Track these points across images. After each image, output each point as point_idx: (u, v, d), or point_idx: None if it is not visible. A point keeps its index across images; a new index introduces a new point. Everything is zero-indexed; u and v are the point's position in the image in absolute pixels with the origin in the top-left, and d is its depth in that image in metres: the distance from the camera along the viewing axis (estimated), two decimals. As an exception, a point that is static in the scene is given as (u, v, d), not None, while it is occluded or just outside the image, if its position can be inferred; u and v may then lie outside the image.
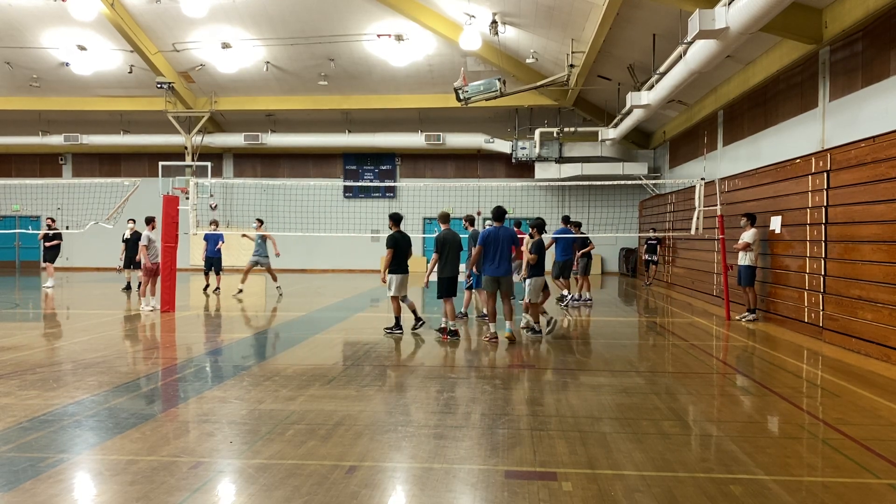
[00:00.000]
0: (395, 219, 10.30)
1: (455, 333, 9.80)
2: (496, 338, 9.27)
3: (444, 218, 10.24)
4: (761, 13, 8.98)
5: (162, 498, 3.95)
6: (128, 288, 17.27)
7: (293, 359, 8.34)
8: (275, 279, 16.58)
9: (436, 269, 10.06)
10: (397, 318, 10.15)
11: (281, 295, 16.18)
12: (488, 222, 17.62)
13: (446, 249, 9.92)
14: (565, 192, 24.53)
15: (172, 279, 13.00)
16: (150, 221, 13.72)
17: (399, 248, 10.08)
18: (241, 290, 16.34)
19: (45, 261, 19.06)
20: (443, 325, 9.92)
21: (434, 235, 10.41)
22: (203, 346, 9.42)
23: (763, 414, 6.07)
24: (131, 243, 16.84)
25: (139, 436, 5.12)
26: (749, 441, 5.11)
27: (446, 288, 9.96)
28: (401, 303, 10.17)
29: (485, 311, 11.59)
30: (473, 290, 11.99)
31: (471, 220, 12.05)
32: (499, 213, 9.50)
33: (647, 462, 4.60)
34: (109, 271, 24.12)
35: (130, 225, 17.32)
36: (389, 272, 10.10)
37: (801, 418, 5.88)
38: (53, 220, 18.97)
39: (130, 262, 16.96)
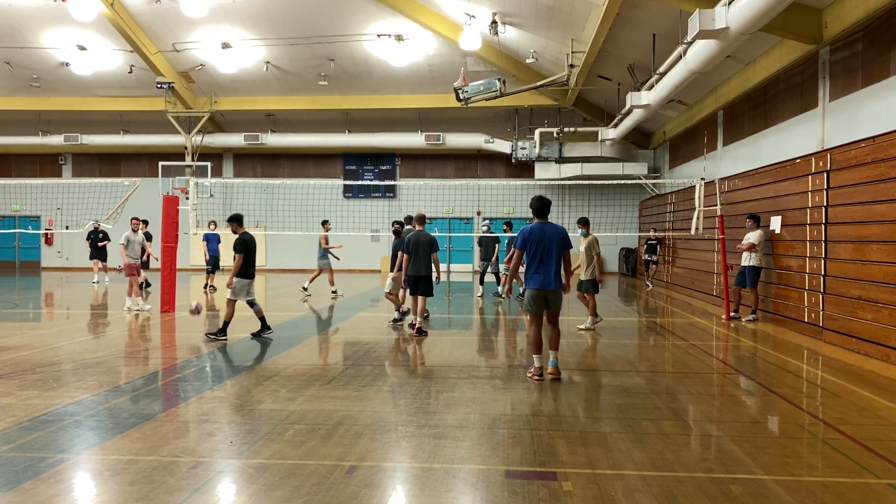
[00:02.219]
0: (239, 220, 9.98)
1: (421, 331, 10.07)
2: (541, 375, 7.07)
3: (420, 220, 10.48)
4: (761, 13, 8.98)
5: (162, 498, 3.95)
6: (148, 285, 17.59)
7: (293, 359, 8.35)
8: (310, 281, 16.48)
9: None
10: (226, 323, 9.63)
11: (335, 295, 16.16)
12: (486, 223, 17.69)
13: (418, 249, 10.16)
14: (565, 192, 24.53)
15: (172, 279, 12.99)
16: (131, 222, 13.76)
17: (250, 252, 9.74)
18: (306, 289, 16.50)
19: (93, 258, 20.04)
20: (413, 323, 10.21)
21: (431, 236, 10.54)
22: (203, 346, 9.42)
23: (763, 414, 6.07)
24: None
25: (139, 436, 5.12)
26: (749, 441, 5.11)
27: (413, 286, 10.22)
28: (234, 309, 9.68)
29: (400, 311, 11.36)
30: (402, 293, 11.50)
31: (400, 224, 11.83)
32: (542, 206, 7.25)
33: (647, 462, 4.60)
34: (109, 271, 24.09)
35: (141, 225, 17.59)
36: (238, 276, 9.61)
37: (802, 418, 5.88)
38: (98, 223, 19.47)
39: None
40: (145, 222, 17.47)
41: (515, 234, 14.20)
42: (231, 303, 9.64)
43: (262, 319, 9.88)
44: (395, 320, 11.15)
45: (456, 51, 19.35)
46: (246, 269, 9.64)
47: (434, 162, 26.15)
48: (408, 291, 10.66)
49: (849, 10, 9.59)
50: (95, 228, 19.44)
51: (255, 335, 9.81)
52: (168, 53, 20.96)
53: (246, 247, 9.62)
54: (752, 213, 11.99)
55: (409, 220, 11.70)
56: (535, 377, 7.07)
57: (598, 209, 22.48)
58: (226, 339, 9.54)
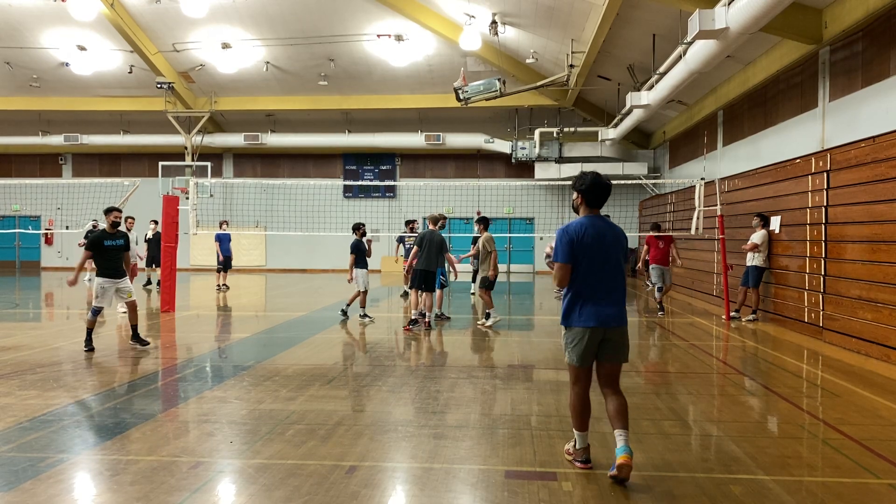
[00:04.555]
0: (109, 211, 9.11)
1: (415, 322, 10.69)
2: (587, 459, 4.46)
3: (434, 220, 11.22)
4: (761, 13, 8.98)
5: (162, 498, 3.95)
6: (148, 283, 17.71)
7: (293, 359, 8.35)
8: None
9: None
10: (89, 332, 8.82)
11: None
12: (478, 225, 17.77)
13: (424, 245, 10.88)
14: (565, 193, 24.53)
15: (172, 279, 13.00)
16: (125, 221, 13.72)
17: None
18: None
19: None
20: (414, 318, 10.73)
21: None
22: (203, 346, 9.42)
23: (763, 414, 6.08)
24: (153, 243, 17.54)
25: (139, 436, 5.12)
26: (749, 441, 5.11)
27: (417, 280, 10.88)
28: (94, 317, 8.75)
29: (423, 310, 10.89)
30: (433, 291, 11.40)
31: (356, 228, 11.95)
32: (594, 189, 4.49)
33: (647, 462, 4.59)
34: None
35: (152, 225, 17.82)
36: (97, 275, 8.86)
37: (801, 418, 5.88)
38: (97, 222, 19.80)
39: (153, 260, 17.62)
40: (156, 222, 17.63)
41: (417, 235, 11.82)
42: (98, 312, 8.75)
43: (90, 332, 8.79)
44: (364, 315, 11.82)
45: (456, 51, 19.35)
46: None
47: (434, 162, 26.15)
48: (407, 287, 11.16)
49: (849, 10, 9.59)
50: (94, 227, 19.59)
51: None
52: (168, 53, 20.95)
53: (96, 243, 8.80)
54: (759, 213, 11.96)
55: (435, 220, 11.97)
56: (578, 461, 4.48)
57: (598, 209, 22.45)
58: (92, 350, 8.61)
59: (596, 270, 4.37)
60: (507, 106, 21.70)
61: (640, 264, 14.71)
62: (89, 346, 8.65)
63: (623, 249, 4.52)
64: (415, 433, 5.24)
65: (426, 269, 10.82)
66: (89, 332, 8.75)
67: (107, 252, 8.76)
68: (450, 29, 18.17)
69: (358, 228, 11.98)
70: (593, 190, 4.47)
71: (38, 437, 5.08)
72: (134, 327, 8.96)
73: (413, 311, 10.78)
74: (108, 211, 8.96)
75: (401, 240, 17.22)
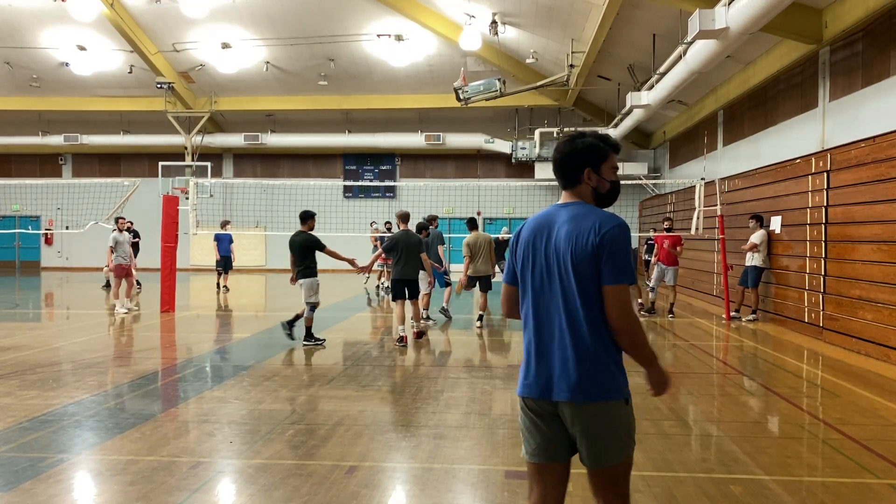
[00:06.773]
0: (311, 216, 9.48)
1: (402, 340, 9.08)
2: None
3: (405, 217, 9.69)
4: (761, 13, 8.98)
5: (162, 498, 3.95)
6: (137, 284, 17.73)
7: (293, 359, 8.34)
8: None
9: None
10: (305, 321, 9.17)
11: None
12: (504, 230, 17.63)
13: (400, 251, 9.27)
14: (565, 192, 24.50)
15: (172, 279, 13.00)
16: (117, 221, 13.72)
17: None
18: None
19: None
20: (416, 329, 9.63)
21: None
22: (203, 346, 9.42)
23: (763, 414, 6.07)
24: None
25: (139, 436, 5.12)
26: (749, 441, 5.11)
27: (397, 290, 9.41)
28: None
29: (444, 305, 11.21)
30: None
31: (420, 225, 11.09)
32: (559, 158, 2.83)
33: (647, 462, 4.59)
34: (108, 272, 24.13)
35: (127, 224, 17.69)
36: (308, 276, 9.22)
37: (801, 418, 5.88)
38: (132, 223, 19.70)
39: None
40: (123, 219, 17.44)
41: (389, 238, 10.07)
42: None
43: (308, 328, 9.32)
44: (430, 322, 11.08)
45: (456, 51, 19.35)
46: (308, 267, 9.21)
47: (434, 162, 26.14)
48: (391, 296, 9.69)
49: (849, 10, 9.59)
50: (128, 228, 19.64)
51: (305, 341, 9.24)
52: (168, 53, 20.95)
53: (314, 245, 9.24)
54: (755, 214, 11.98)
55: (432, 219, 11.92)
56: None
57: (598, 209, 22.41)
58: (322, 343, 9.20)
59: (533, 295, 2.61)
60: (507, 106, 21.69)
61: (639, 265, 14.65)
62: (317, 340, 9.23)
63: (587, 252, 2.49)
64: (415, 433, 5.24)
65: (405, 279, 9.34)
66: (309, 329, 9.21)
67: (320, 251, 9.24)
68: (450, 29, 18.16)
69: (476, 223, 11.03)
70: (557, 161, 2.85)
71: (38, 437, 5.08)
72: (308, 329, 9.28)
73: (398, 328, 9.22)
74: (311, 215, 9.40)
75: (380, 240, 17.21)
